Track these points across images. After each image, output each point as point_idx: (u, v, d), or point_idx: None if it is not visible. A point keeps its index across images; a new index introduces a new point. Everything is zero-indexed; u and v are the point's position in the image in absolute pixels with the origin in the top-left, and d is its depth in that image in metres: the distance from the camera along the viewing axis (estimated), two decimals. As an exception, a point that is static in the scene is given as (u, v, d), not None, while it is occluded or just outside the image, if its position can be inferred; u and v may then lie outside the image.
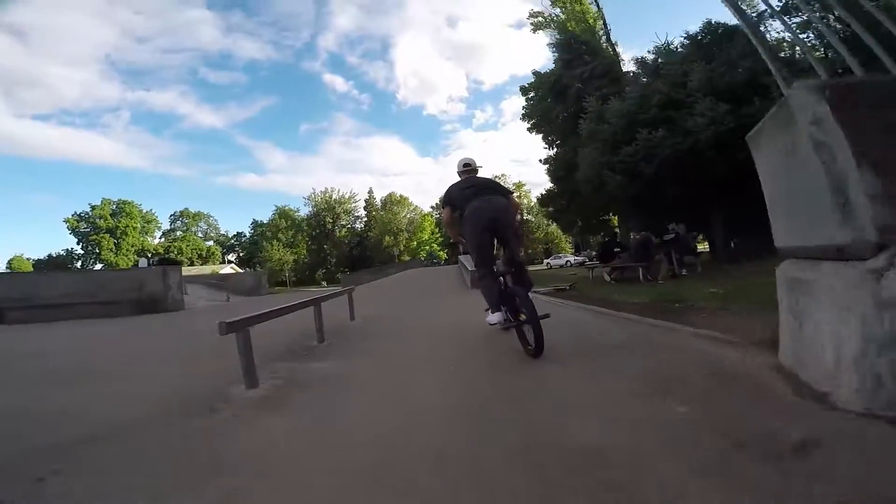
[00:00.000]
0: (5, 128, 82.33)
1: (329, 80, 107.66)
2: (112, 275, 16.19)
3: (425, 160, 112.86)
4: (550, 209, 21.17)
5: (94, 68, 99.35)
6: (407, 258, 56.41)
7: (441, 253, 53.14)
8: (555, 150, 21.65)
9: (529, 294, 3.62)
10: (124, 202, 73.60)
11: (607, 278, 12.21)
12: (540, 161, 27.02)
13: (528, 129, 28.32)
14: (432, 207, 70.42)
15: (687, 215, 12.86)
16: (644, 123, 11.55)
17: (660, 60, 14.32)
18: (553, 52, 23.03)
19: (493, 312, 3.95)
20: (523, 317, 3.62)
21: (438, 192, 72.59)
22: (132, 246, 71.61)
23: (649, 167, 11.14)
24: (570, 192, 19.77)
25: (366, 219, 71.47)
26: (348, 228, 70.66)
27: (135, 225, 73.52)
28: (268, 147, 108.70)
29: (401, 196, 71.70)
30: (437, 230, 63.30)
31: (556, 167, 20.08)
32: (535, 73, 28.05)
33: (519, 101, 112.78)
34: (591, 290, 9.78)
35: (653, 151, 11.07)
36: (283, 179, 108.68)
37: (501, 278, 4.02)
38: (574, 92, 20.13)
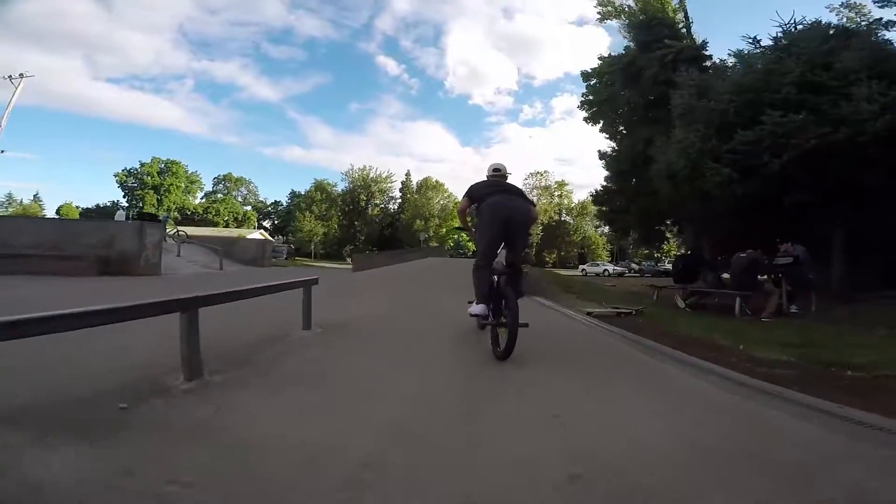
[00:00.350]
0: (81, 89, 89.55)
1: (382, 62, 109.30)
2: (84, 226, 14.29)
3: (466, 150, 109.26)
4: (605, 209, 17.99)
5: (168, 37, 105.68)
6: (435, 244, 54.01)
7: (469, 244, 50.42)
8: (617, 141, 18.40)
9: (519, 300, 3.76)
10: (172, 162, 76.45)
11: (681, 304, 9.25)
12: (599, 153, 23.84)
13: (586, 119, 25.06)
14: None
15: (803, 231, 9.63)
16: (773, 104, 8.40)
17: (783, 41, 10.89)
18: (626, 36, 19.91)
19: (477, 304, 4.02)
20: (504, 319, 3.84)
21: (474, 181, 69.90)
22: (174, 203, 74.54)
23: (776, 161, 8.03)
24: (633, 192, 16.61)
25: (400, 200, 70.02)
26: (381, 208, 68.92)
27: (179, 184, 76.39)
28: (315, 122, 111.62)
29: (437, 181, 69.36)
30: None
31: (619, 161, 16.92)
32: (602, 58, 24.96)
33: (571, 101, 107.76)
34: (674, 322, 6.92)
35: (784, 141, 7.94)
36: (326, 155, 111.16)
37: (496, 277, 4.02)
38: (651, 76, 16.84)
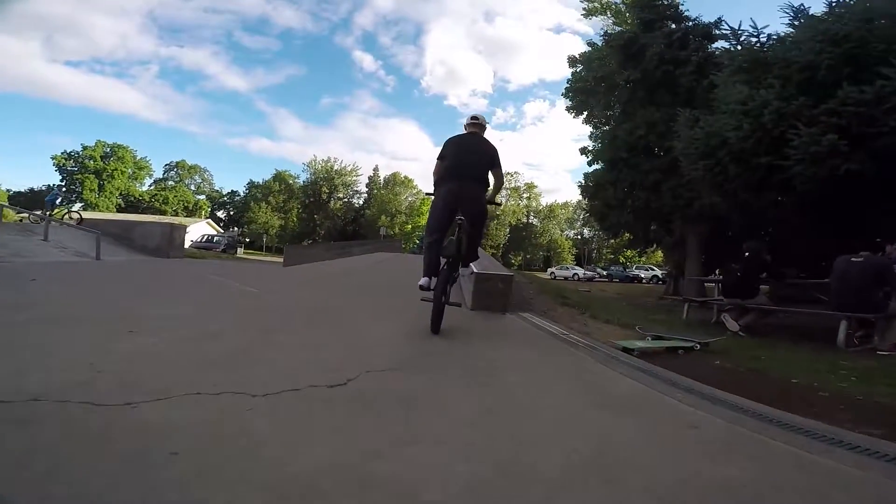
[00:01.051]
0: (37, 71, 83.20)
1: (359, 57, 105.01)
2: None
3: (438, 150, 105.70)
4: (596, 202, 15.04)
5: (136, 21, 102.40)
6: (398, 238, 50.37)
7: None
8: (611, 127, 15.58)
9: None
10: (118, 146, 70.83)
11: (732, 326, 6.30)
12: (583, 151, 21.18)
13: (569, 109, 22.38)
14: (437, 194, 64.54)
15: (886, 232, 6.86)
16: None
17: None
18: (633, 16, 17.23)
19: (424, 276, 3.98)
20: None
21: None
22: (117, 189, 69.38)
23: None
24: (629, 184, 13.76)
25: (366, 195, 66.14)
26: (345, 202, 64.58)
27: (124, 169, 70.88)
28: (285, 115, 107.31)
29: (406, 177, 65.86)
30: (437, 218, 57.27)
31: (615, 148, 14.04)
32: (591, 44, 22.38)
33: (543, 106, 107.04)
34: (791, 367, 3.84)
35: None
36: (295, 148, 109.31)
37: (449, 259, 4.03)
38: (656, 55, 14.15)
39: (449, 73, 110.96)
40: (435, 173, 4.12)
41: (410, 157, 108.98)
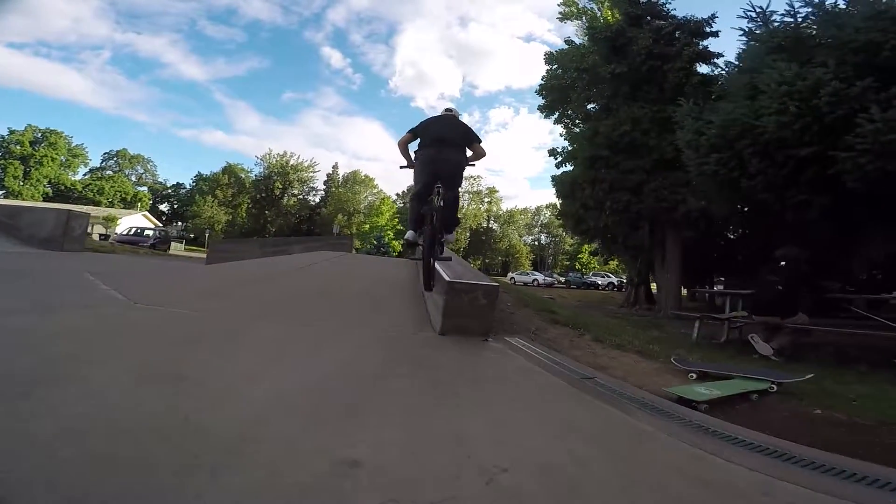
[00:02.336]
0: None
1: (327, 53, 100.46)
2: None
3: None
4: (570, 204, 13.51)
5: (93, 4, 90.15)
6: (357, 245, 47.60)
7: (395, 243, 44.03)
8: (590, 124, 14.20)
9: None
10: (51, 131, 64.43)
11: (765, 349, 4.83)
12: (552, 153, 19.88)
13: (541, 108, 21.10)
14: (397, 195, 62.36)
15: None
16: None
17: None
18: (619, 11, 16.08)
19: (409, 229, 4.07)
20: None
21: (408, 182, 66.66)
22: (45, 177, 62.92)
23: None
24: (609, 185, 12.34)
25: (323, 193, 62.62)
26: (300, 199, 60.79)
27: (55, 156, 64.36)
28: (244, 108, 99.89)
29: (366, 176, 62.99)
30: (395, 219, 54.85)
31: (594, 145, 12.65)
32: (568, 42, 21.27)
33: (507, 113, 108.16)
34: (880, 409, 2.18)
35: None
36: (251, 142, 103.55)
37: (432, 215, 3.90)
38: (644, 49, 13.04)
39: (418, 75, 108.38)
40: (401, 144, 4.17)
41: (372, 157, 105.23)
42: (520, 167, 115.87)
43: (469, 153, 4.12)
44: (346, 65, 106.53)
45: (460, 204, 5.69)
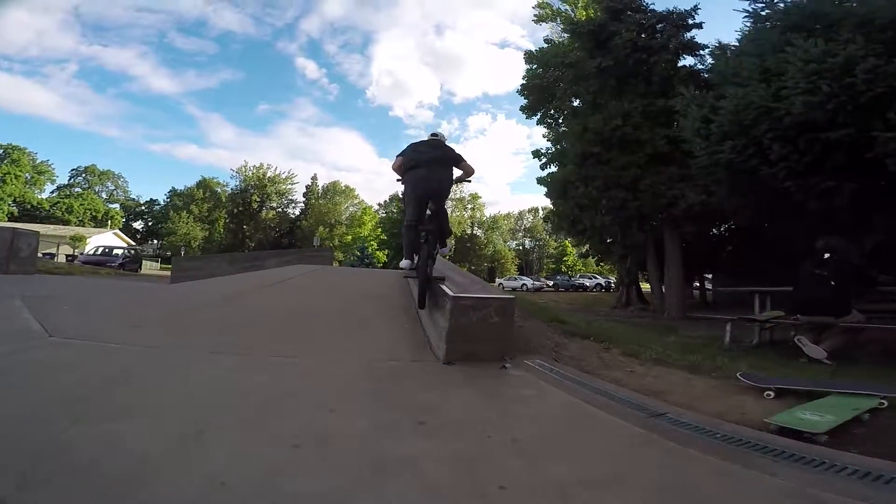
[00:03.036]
0: None
1: (301, 64, 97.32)
2: None
3: (382, 160, 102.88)
4: (563, 205, 12.81)
5: (57, 17, 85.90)
6: (340, 257, 46.31)
7: (379, 254, 42.72)
8: (578, 121, 13.60)
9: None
10: (13, 147, 60.81)
11: (816, 353, 4.15)
12: (536, 154, 19.46)
13: (523, 109, 20.56)
14: (379, 205, 61.30)
15: None
16: None
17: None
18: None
19: (405, 258, 4.23)
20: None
21: (389, 192, 66.38)
22: (10, 196, 58.93)
23: None
24: (604, 180, 11.69)
25: (304, 206, 60.88)
26: (279, 212, 59.08)
27: (19, 173, 60.70)
28: (217, 120, 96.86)
29: (346, 186, 61.67)
30: (379, 228, 53.71)
31: (584, 142, 12.01)
32: (548, 41, 20.95)
33: (485, 119, 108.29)
34: None
35: None
36: (226, 155, 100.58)
37: (424, 234, 4.15)
38: (629, 42, 12.58)
39: (396, 84, 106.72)
40: (396, 168, 4.35)
41: (352, 167, 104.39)
42: (500, 173, 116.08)
43: (458, 173, 4.42)
44: (321, 75, 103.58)
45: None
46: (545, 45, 19.80)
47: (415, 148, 4.31)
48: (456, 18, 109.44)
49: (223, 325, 3.87)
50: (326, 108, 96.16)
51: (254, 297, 4.97)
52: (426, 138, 4.56)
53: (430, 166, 4.10)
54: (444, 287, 3.56)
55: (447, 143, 4.64)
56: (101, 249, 25.36)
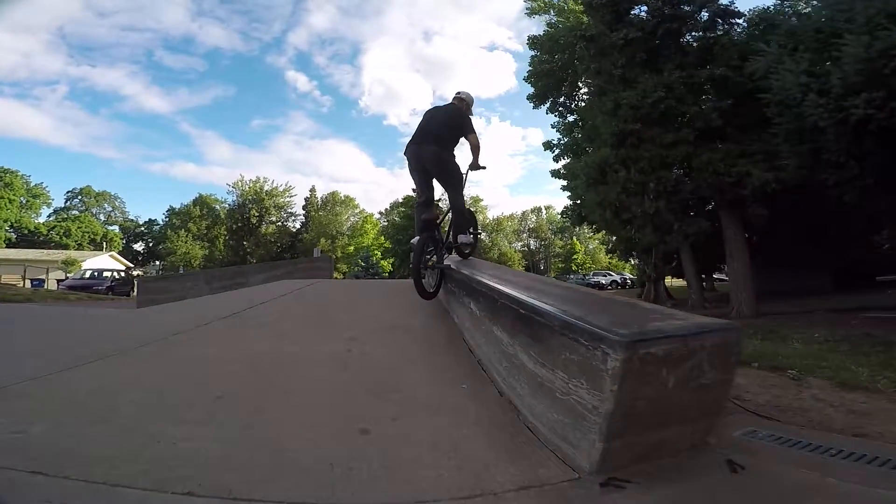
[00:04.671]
0: None
1: (292, 77, 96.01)
2: None
3: (380, 170, 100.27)
4: (605, 192, 10.88)
5: (43, 38, 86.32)
6: (343, 268, 44.50)
7: (385, 263, 40.73)
8: (605, 99, 11.80)
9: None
10: (5, 171, 58.83)
11: None
12: (548, 146, 17.82)
13: (530, 98, 18.92)
14: (380, 213, 59.59)
15: None
16: None
17: None
18: None
19: (416, 235, 3.91)
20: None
21: (389, 200, 64.65)
22: (5, 221, 56.92)
23: None
24: (649, 160, 9.87)
25: (304, 219, 59.06)
26: (279, 226, 57.35)
27: (13, 197, 58.60)
28: (213, 137, 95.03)
29: (346, 196, 60.02)
30: (382, 236, 51.94)
31: (619, 118, 10.23)
32: (551, 26, 19.37)
33: (478, 123, 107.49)
34: None
35: None
36: (224, 172, 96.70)
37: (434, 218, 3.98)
38: (657, 11, 10.94)
39: (388, 93, 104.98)
40: None
41: (350, 178, 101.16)
42: (497, 176, 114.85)
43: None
44: (312, 87, 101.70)
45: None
46: (527, 50, 18.48)
47: (430, 114, 4.10)
48: (443, 24, 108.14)
49: (108, 409, 2.03)
50: (320, 120, 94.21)
51: (201, 339, 3.14)
52: (451, 100, 4.22)
53: (421, 141, 3.89)
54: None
55: (469, 107, 4.18)
56: (88, 273, 23.61)
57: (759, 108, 9.12)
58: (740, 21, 11.05)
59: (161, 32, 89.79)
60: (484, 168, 4.06)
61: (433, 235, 3.84)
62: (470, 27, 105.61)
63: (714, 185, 9.18)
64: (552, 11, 20.61)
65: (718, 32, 11.20)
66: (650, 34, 11.10)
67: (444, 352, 2.80)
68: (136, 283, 26.29)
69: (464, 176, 4.03)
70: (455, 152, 3.98)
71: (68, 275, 26.22)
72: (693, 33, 11.64)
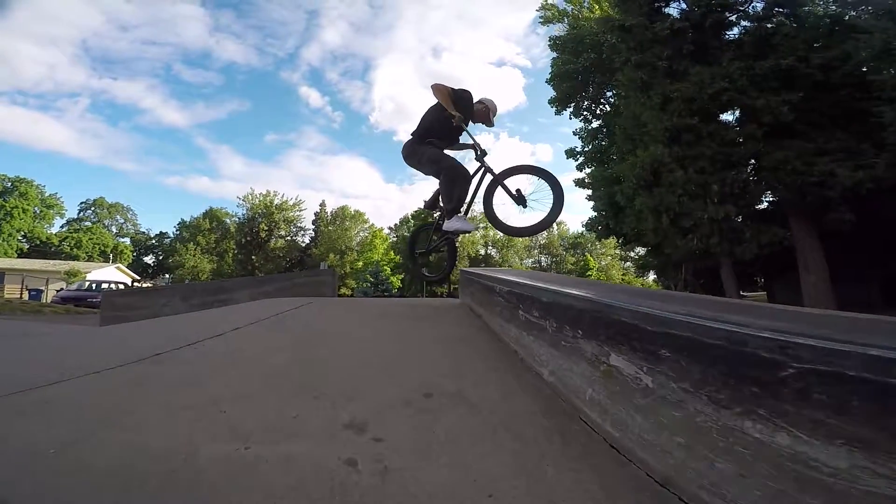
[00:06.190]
0: None
1: (305, 93, 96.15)
2: None
3: (389, 186, 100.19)
4: (669, 192, 9.25)
5: (67, 51, 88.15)
6: (352, 284, 43.06)
7: (395, 279, 39.01)
8: (652, 94, 10.34)
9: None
10: (20, 180, 58.32)
11: None
12: (570, 154, 16.56)
13: (551, 102, 17.63)
14: (390, 229, 58.37)
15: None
16: None
17: None
18: None
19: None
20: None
21: (399, 216, 63.57)
22: (18, 230, 56.40)
23: None
24: (710, 159, 8.34)
25: (313, 233, 57.90)
26: (288, 240, 56.23)
27: (27, 207, 57.82)
28: (227, 152, 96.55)
29: (356, 211, 58.81)
30: (392, 251, 50.55)
31: (671, 112, 8.75)
32: (574, 25, 18.36)
33: (486, 139, 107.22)
34: None
35: None
36: (237, 187, 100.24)
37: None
38: (702, 1, 9.69)
39: (398, 109, 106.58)
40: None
41: (361, 194, 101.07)
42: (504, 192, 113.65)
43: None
44: (324, 103, 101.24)
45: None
46: (529, 66, 17.53)
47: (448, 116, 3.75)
48: (452, 40, 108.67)
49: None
50: (332, 135, 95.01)
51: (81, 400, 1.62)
52: (476, 100, 3.97)
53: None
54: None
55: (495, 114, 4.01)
56: (84, 285, 22.40)
57: (833, 102, 7.85)
58: (805, 9, 9.64)
59: (180, 47, 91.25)
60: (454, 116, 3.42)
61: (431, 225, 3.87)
62: (478, 43, 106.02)
63: (793, 187, 7.60)
64: (566, 20, 19.64)
65: (774, 23, 9.82)
66: (697, 25, 9.76)
67: (563, 457, 1.26)
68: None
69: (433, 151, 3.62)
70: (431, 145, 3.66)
71: (64, 286, 25.04)
72: (744, 23, 10.27)
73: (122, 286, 23.73)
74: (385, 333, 2.67)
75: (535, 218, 3.39)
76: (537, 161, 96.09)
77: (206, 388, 1.83)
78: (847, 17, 9.31)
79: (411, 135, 3.76)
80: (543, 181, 3.32)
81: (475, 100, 3.84)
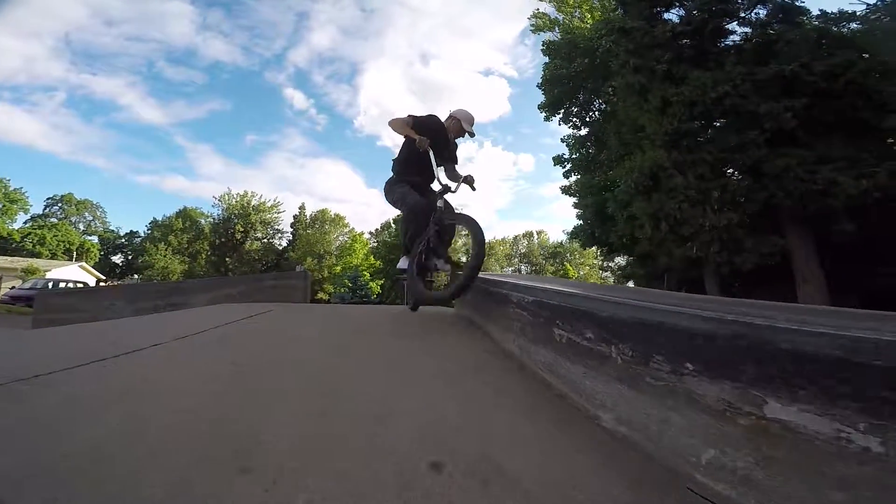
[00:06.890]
0: None
1: (289, 94, 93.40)
2: None
3: (371, 191, 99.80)
4: (671, 197, 8.81)
5: (47, 44, 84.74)
6: (330, 289, 41.72)
7: (374, 285, 37.76)
8: (650, 96, 10.02)
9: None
10: None
11: None
12: (558, 160, 16.24)
13: (541, 108, 17.31)
14: (371, 234, 57.24)
15: None
16: None
17: None
18: None
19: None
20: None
21: (380, 221, 62.72)
22: None
23: None
24: (711, 165, 7.97)
25: (291, 236, 56.06)
26: (264, 242, 54.36)
27: None
28: (206, 151, 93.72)
29: (336, 215, 57.29)
30: (372, 256, 49.41)
31: (671, 116, 8.41)
32: (566, 32, 18.19)
33: (471, 147, 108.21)
34: None
35: None
36: (214, 187, 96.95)
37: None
38: (705, 4, 9.55)
39: (383, 114, 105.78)
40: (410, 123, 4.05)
41: (342, 198, 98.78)
42: (487, 200, 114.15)
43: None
44: (309, 105, 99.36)
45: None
46: (516, 76, 17.46)
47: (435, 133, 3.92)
48: (441, 48, 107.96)
49: None
50: (315, 138, 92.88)
51: None
52: (461, 117, 4.13)
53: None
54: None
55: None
56: (41, 283, 20.72)
57: (834, 110, 7.61)
58: (805, 18, 9.48)
59: (165, 44, 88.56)
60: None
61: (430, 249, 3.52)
62: (467, 52, 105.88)
63: (796, 195, 7.27)
64: (557, 29, 19.46)
65: (775, 29, 9.65)
66: (698, 30, 9.51)
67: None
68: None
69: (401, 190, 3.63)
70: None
71: (16, 285, 23.20)
72: (745, 30, 10.12)
73: (81, 285, 22.07)
74: (363, 360, 1.96)
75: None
76: (519, 171, 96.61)
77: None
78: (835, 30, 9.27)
79: (391, 171, 3.85)
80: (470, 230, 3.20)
81: (447, 115, 3.84)
